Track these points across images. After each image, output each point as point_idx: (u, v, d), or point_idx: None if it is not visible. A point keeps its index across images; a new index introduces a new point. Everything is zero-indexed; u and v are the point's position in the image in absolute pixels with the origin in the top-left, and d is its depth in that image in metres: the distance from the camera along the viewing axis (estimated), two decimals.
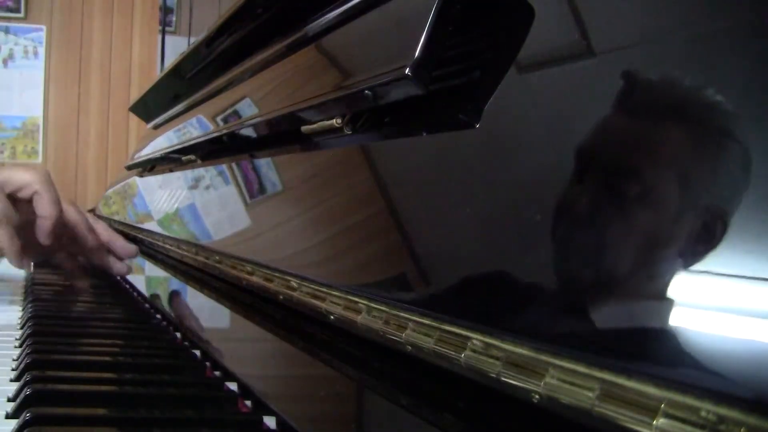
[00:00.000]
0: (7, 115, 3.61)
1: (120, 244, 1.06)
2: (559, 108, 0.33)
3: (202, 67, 1.11)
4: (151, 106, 1.57)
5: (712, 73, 0.26)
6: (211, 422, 0.47)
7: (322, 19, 0.62)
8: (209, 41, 0.98)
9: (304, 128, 0.57)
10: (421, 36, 0.40)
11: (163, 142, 1.19)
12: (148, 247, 1.11)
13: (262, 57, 0.78)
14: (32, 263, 1.09)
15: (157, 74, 1.89)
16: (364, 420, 0.41)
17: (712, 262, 0.23)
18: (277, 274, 0.53)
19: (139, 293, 1.02)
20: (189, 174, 0.99)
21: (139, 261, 1.18)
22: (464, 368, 0.30)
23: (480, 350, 0.29)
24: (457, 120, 0.38)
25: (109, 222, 1.48)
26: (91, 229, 1.02)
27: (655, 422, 0.21)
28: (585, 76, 0.32)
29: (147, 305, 0.92)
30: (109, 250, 1.06)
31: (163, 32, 2.07)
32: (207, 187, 0.88)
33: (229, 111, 0.84)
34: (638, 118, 0.29)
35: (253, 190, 0.71)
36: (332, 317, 0.43)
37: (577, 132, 0.31)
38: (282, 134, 0.64)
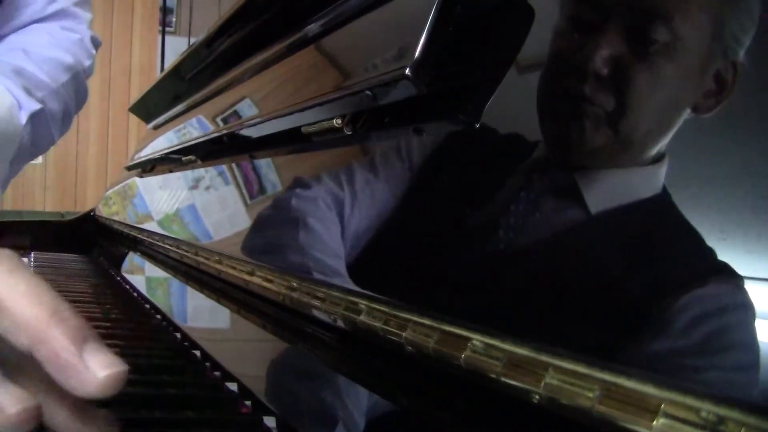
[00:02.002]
0: None
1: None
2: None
3: (202, 67, 1.11)
4: (151, 107, 1.57)
5: None
6: (211, 422, 0.47)
7: (322, 19, 0.62)
8: (209, 42, 0.98)
9: (305, 128, 0.57)
10: (421, 36, 0.40)
11: (163, 143, 1.19)
12: (148, 248, 1.11)
13: (262, 57, 0.78)
14: None
15: (157, 74, 1.90)
16: (364, 420, 0.41)
17: (711, 261, 0.23)
18: (277, 274, 0.53)
19: (139, 293, 1.02)
20: (189, 174, 0.99)
21: (139, 261, 1.18)
22: (464, 369, 0.30)
23: (480, 351, 0.29)
24: (457, 120, 0.38)
25: (109, 222, 1.48)
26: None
27: (655, 422, 0.21)
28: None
29: (147, 305, 0.92)
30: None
31: (163, 32, 2.07)
32: (207, 188, 0.88)
33: (229, 111, 0.84)
34: None
35: (253, 190, 0.71)
36: (332, 317, 0.43)
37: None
38: (282, 134, 0.64)
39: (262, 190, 0.69)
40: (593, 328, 0.25)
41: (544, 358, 0.26)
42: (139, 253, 1.21)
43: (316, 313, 0.45)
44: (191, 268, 0.83)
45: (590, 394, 0.24)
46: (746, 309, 0.20)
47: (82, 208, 2.68)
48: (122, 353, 0.65)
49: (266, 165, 0.69)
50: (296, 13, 0.69)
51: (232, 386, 0.54)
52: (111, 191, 1.76)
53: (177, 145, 1.03)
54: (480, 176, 0.33)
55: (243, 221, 0.72)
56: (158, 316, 0.85)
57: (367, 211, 0.42)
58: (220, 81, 0.94)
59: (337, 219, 0.44)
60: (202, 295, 0.75)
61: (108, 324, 0.80)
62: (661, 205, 0.23)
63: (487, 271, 0.31)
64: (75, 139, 3.69)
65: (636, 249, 0.24)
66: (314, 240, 0.49)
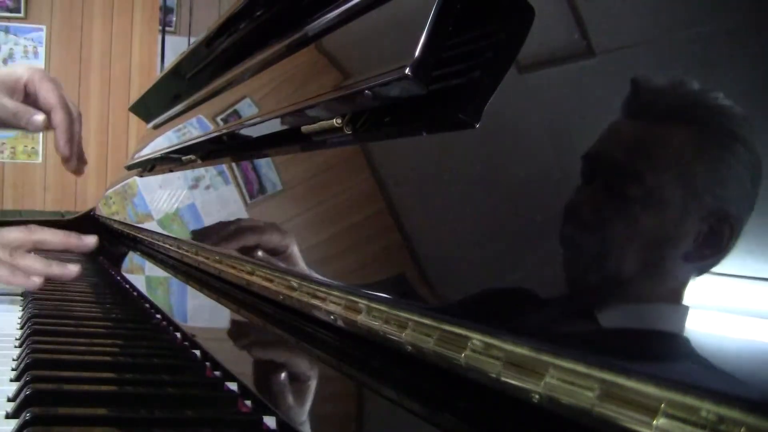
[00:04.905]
0: None
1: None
2: (558, 108, 0.33)
3: (202, 67, 1.11)
4: (151, 106, 1.57)
5: (714, 73, 0.26)
6: (211, 422, 0.47)
7: (322, 19, 0.62)
8: (209, 41, 0.98)
9: (304, 128, 0.57)
10: (421, 36, 0.40)
11: (163, 142, 1.19)
12: (148, 247, 1.11)
13: (262, 57, 0.77)
14: None
15: (157, 74, 1.89)
16: (363, 420, 0.41)
17: (712, 263, 0.23)
18: (277, 274, 0.53)
19: (139, 293, 1.02)
20: (189, 174, 0.99)
21: (139, 261, 1.18)
22: (464, 368, 0.30)
23: (480, 350, 0.29)
24: (457, 120, 0.38)
25: (110, 222, 1.48)
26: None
27: (655, 422, 0.21)
28: (585, 76, 0.32)
29: (147, 305, 0.92)
30: None
31: (163, 32, 2.07)
32: (207, 187, 0.88)
33: (229, 111, 0.84)
34: (640, 120, 0.29)
35: (253, 190, 0.71)
36: (332, 317, 0.43)
37: (577, 133, 0.31)
38: (282, 134, 0.64)
39: (262, 189, 0.69)
40: None
41: (544, 357, 0.26)
42: (139, 253, 1.21)
43: (316, 312, 0.45)
44: (191, 268, 0.83)
45: (590, 394, 0.24)
46: None
47: (82, 208, 2.67)
48: (122, 353, 0.65)
49: (266, 165, 0.69)
50: (296, 13, 0.69)
51: (232, 386, 0.54)
52: (111, 191, 1.76)
53: (177, 145, 1.03)
54: None
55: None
56: (158, 316, 0.85)
57: None
58: (220, 81, 0.94)
59: None
60: (202, 295, 0.75)
61: (108, 324, 0.80)
62: None
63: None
64: None
65: None
66: None
